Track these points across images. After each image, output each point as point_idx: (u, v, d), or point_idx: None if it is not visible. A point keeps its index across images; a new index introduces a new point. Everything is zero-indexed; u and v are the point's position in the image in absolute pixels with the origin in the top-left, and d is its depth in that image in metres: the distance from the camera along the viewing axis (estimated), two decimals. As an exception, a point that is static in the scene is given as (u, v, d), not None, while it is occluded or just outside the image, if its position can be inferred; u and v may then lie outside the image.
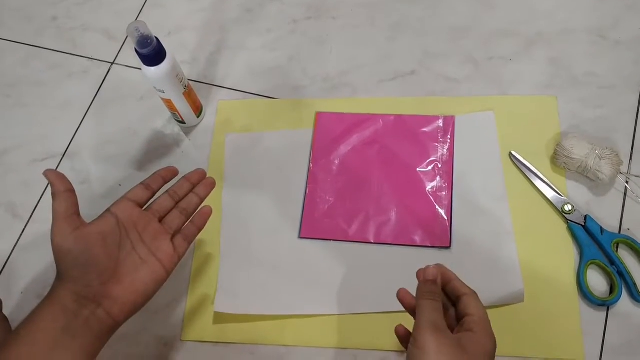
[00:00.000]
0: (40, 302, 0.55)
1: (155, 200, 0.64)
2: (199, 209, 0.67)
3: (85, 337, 0.54)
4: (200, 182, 0.67)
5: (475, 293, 0.55)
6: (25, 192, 0.82)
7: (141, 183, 0.63)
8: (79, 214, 0.58)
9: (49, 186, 0.59)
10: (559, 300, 0.68)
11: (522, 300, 0.68)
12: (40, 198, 0.81)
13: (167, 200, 0.65)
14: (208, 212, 0.67)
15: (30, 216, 0.80)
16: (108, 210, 0.60)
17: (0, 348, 0.52)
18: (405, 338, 0.59)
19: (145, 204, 0.63)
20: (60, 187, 0.58)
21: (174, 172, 0.66)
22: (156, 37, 0.69)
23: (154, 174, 0.65)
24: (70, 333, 0.53)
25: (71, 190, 0.58)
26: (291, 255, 0.74)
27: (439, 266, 0.57)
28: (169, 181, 0.66)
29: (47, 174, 0.59)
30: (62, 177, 0.59)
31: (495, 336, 0.53)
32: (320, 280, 0.72)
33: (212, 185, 0.68)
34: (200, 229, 0.66)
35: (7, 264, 0.77)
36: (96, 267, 0.56)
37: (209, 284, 0.73)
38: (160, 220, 0.63)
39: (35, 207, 0.81)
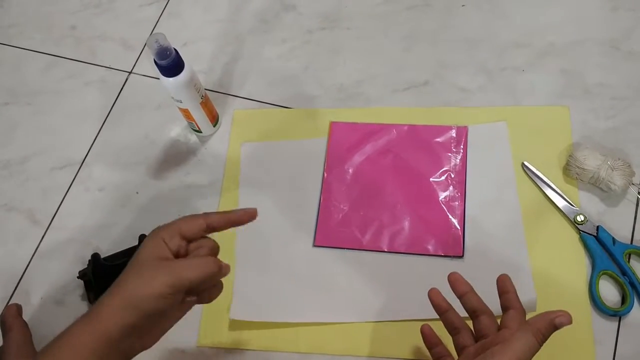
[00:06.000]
0: (84, 320, 0.53)
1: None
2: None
3: None
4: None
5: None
6: (44, 199, 0.83)
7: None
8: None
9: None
10: (571, 310, 0.67)
11: (534, 309, 0.68)
12: (60, 205, 0.83)
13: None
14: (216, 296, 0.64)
15: (50, 223, 0.82)
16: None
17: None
18: (431, 339, 0.60)
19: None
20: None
21: (253, 214, 0.64)
22: (175, 49, 0.71)
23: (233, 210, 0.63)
24: None
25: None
26: (305, 263, 0.75)
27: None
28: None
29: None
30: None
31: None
32: (334, 288, 0.73)
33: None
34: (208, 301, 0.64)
35: (27, 270, 0.79)
36: (156, 320, 0.57)
37: (225, 291, 0.73)
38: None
39: (55, 214, 0.82)
